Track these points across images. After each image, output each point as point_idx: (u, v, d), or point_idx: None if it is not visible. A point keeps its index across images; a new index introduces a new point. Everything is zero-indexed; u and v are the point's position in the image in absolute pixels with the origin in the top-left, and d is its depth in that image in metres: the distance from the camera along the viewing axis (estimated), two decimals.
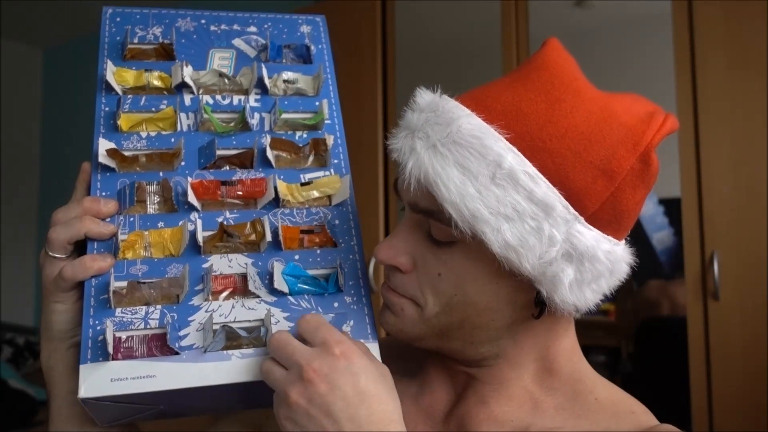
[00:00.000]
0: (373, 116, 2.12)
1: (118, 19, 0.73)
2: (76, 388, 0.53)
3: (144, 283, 0.57)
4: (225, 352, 0.55)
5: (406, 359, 0.69)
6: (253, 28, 0.75)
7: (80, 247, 0.59)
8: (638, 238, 0.60)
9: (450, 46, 2.15)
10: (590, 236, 0.53)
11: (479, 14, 2.03)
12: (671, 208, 1.71)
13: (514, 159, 0.52)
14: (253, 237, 0.61)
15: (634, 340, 1.89)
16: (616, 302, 1.93)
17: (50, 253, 0.58)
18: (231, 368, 0.54)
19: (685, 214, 1.63)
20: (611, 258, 0.55)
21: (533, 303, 0.56)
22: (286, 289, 0.58)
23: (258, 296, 0.58)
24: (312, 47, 0.75)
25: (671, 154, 1.65)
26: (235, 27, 0.74)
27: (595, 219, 0.54)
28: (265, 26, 0.75)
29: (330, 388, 0.49)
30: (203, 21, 0.74)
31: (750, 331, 1.54)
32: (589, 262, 0.54)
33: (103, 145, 0.62)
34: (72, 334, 0.59)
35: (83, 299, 0.57)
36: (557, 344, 0.61)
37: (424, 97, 0.58)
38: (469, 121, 0.54)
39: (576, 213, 0.53)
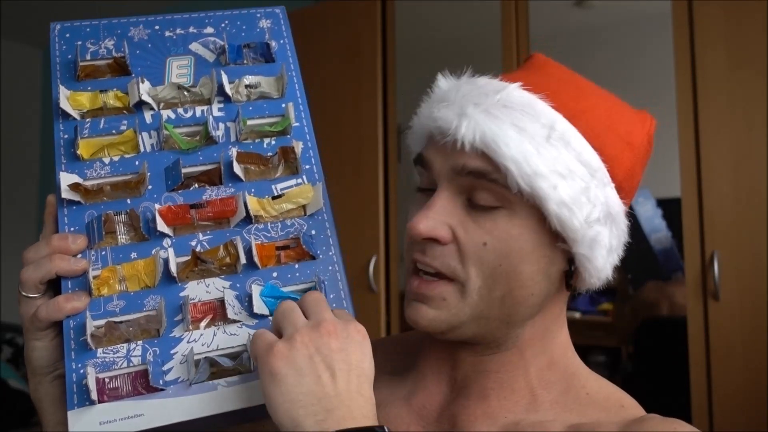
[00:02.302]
0: (373, 116, 2.12)
1: (67, 34, 0.69)
2: (64, 419, 0.53)
3: (121, 322, 0.57)
4: (211, 382, 0.54)
5: (397, 358, 0.69)
6: (210, 29, 0.71)
7: (55, 283, 0.58)
8: (636, 239, 0.61)
9: (450, 46, 2.15)
10: (617, 203, 0.58)
11: (479, 14, 2.04)
12: (671, 208, 1.71)
13: (563, 123, 0.56)
14: (227, 260, 0.60)
15: (634, 341, 1.90)
16: (615, 304, 1.93)
17: (23, 294, 0.57)
18: (218, 398, 0.54)
19: (685, 214, 1.63)
20: (625, 228, 0.60)
21: (564, 276, 0.58)
22: (266, 312, 0.58)
23: (239, 321, 0.57)
24: (273, 43, 0.71)
25: (671, 154, 1.65)
26: (191, 30, 0.71)
27: (619, 188, 0.58)
28: (223, 25, 0.71)
29: (341, 348, 0.49)
30: (157, 27, 0.70)
31: (750, 331, 1.54)
32: (616, 228, 0.58)
33: (65, 179, 0.60)
34: (54, 368, 0.58)
35: (62, 335, 0.56)
36: (558, 337, 0.62)
37: (445, 81, 0.61)
38: (516, 89, 0.57)
39: (609, 178, 0.57)
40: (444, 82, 0.61)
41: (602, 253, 0.57)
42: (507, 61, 1.90)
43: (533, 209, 0.55)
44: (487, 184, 0.55)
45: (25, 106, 3.84)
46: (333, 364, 0.49)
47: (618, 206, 0.58)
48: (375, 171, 2.09)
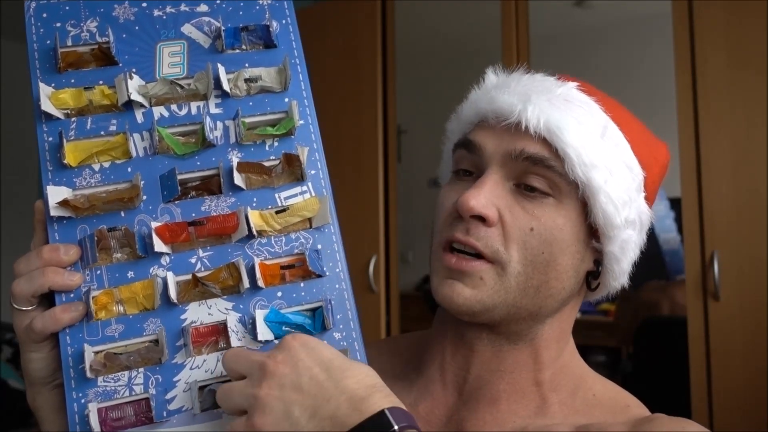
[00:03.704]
0: (373, 116, 2.12)
1: (44, 14, 0.61)
2: (64, 427, 0.52)
3: (122, 353, 0.55)
4: (216, 410, 0.53)
5: (400, 360, 0.69)
6: (203, 7, 0.64)
7: (48, 293, 0.56)
8: (648, 236, 0.63)
9: (450, 46, 2.16)
10: (646, 211, 0.61)
11: (479, 14, 2.04)
12: (671, 208, 1.71)
13: (613, 125, 0.59)
14: (230, 281, 0.57)
15: (634, 341, 1.90)
16: (617, 303, 1.93)
17: (16, 306, 0.56)
18: (223, 426, 0.53)
19: (685, 214, 1.63)
20: (645, 238, 0.62)
21: (587, 277, 0.60)
22: (271, 337, 0.56)
23: (243, 347, 0.55)
24: (274, 24, 0.63)
25: (671, 154, 1.65)
26: (183, 7, 0.63)
27: (646, 198, 0.61)
28: (218, 2, 0.64)
29: (293, 366, 0.47)
30: (144, 5, 0.63)
31: (750, 331, 1.54)
32: (641, 234, 0.61)
33: (54, 195, 0.56)
34: (52, 379, 0.57)
35: (59, 347, 0.54)
36: (570, 341, 0.63)
37: (495, 75, 0.63)
38: (574, 87, 0.60)
39: (643, 186, 0.60)
40: (494, 76, 0.63)
41: (630, 256, 0.60)
42: (507, 61, 1.89)
43: (578, 202, 0.57)
44: (542, 170, 0.56)
45: (26, 106, 3.84)
46: (298, 381, 0.47)
47: (646, 215, 0.60)
48: (375, 171, 2.09)
